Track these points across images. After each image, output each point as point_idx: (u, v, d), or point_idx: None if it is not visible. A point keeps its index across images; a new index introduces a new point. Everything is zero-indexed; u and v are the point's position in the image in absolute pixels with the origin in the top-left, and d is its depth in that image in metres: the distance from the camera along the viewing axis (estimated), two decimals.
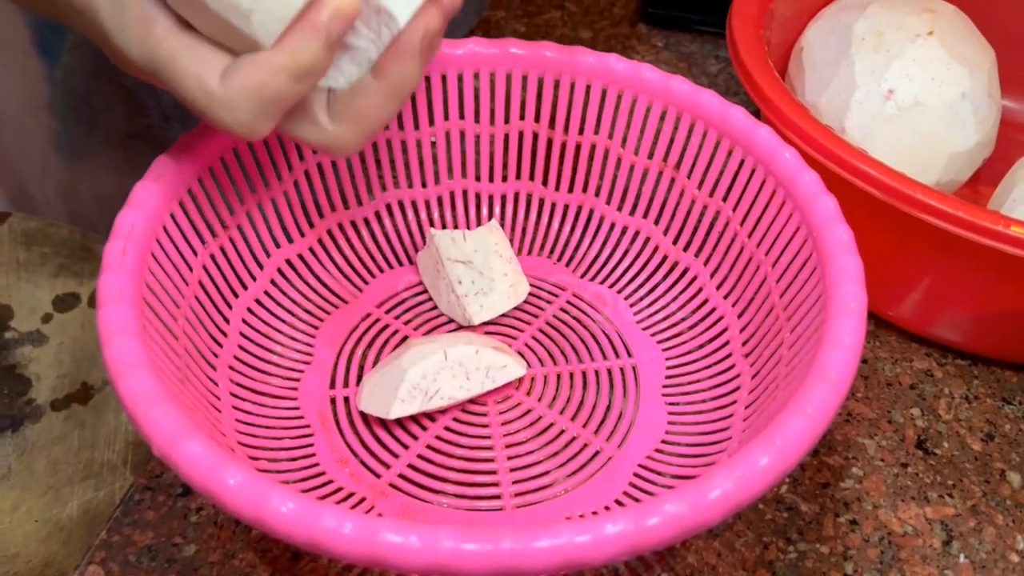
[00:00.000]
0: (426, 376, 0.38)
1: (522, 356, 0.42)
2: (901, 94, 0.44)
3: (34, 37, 0.49)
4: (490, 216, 0.47)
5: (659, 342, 0.43)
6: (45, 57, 0.50)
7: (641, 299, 0.44)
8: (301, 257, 0.43)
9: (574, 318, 0.44)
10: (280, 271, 0.43)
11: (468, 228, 0.47)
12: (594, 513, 0.37)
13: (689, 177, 0.43)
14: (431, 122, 0.45)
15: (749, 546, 0.38)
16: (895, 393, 0.44)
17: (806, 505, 0.39)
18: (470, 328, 0.43)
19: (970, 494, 0.40)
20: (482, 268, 0.43)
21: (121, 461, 0.43)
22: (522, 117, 0.45)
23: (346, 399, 0.40)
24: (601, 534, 0.26)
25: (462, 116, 0.45)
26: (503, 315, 0.44)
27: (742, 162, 0.40)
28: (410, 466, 0.38)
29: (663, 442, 0.39)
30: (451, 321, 0.44)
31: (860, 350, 0.31)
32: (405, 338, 0.43)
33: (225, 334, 0.39)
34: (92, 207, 0.56)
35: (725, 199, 0.42)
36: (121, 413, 0.45)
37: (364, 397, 0.39)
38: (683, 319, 0.43)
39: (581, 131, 0.45)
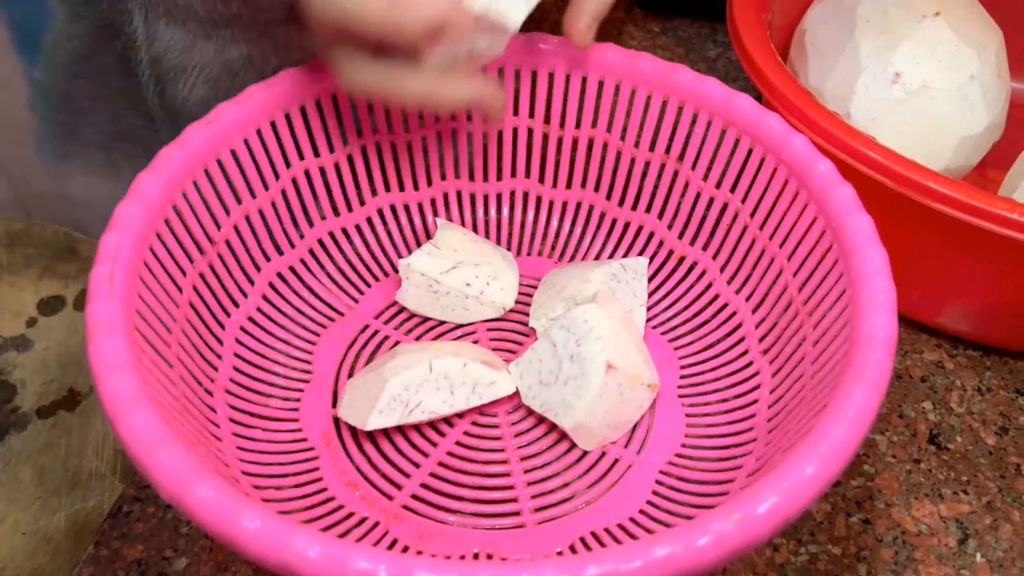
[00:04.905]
0: (408, 387, 0.36)
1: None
2: (908, 77, 0.43)
3: (13, 36, 0.48)
4: (486, 216, 0.46)
5: (670, 341, 0.42)
6: (25, 56, 0.49)
7: (649, 296, 0.43)
8: (293, 269, 0.41)
9: None
10: (272, 285, 0.40)
11: (464, 227, 0.45)
12: (619, 526, 0.35)
13: (693, 169, 0.41)
14: (421, 123, 0.43)
15: (759, 548, 0.36)
16: (906, 386, 0.43)
17: (817, 504, 0.38)
18: (470, 332, 0.42)
19: (985, 490, 0.39)
20: (475, 260, 0.42)
21: (109, 469, 0.41)
22: (516, 113, 0.43)
23: None
24: (650, 559, 0.24)
25: (453, 115, 0.43)
26: (508, 319, 0.42)
27: (750, 152, 0.39)
28: (423, 485, 0.36)
29: (683, 446, 0.38)
30: (454, 328, 0.42)
31: (894, 346, 0.30)
32: None
33: (220, 356, 0.37)
34: (80, 209, 0.55)
35: (733, 190, 0.40)
36: None
37: (344, 403, 0.37)
38: (694, 316, 0.42)
39: (578, 125, 0.43)
